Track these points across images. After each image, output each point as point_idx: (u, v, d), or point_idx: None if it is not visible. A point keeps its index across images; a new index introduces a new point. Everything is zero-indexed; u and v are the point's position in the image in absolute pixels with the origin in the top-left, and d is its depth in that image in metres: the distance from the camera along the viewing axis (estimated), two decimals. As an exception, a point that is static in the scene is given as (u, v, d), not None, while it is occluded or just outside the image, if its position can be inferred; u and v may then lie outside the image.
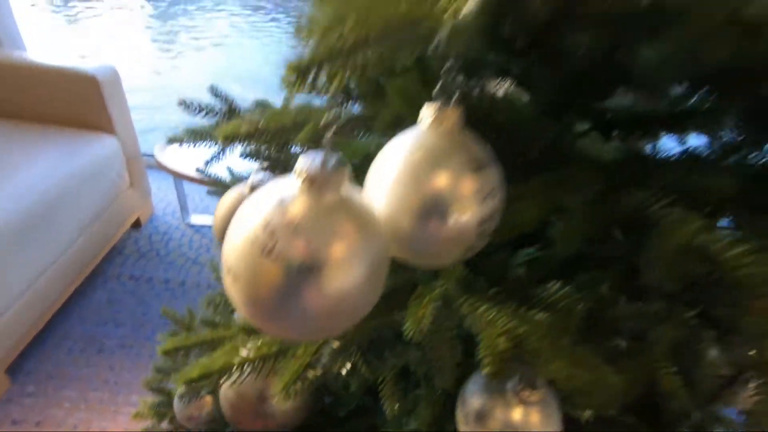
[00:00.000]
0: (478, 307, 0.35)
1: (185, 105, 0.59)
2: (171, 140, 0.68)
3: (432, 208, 0.28)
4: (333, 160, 0.23)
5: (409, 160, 0.29)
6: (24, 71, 1.56)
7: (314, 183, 0.23)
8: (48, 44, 3.97)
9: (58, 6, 5.04)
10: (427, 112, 0.29)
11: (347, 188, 0.25)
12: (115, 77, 1.62)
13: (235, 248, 0.23)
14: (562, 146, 0.46)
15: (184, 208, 1.94)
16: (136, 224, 1.86)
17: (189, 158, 1.69)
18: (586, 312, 0.40)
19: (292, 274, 0.22)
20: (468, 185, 0.28)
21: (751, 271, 0.27)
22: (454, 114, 0.29)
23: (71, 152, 1.50)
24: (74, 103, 1.59)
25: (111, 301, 1.52)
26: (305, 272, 0.22)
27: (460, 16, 0.20)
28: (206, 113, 0.61)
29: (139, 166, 1.78)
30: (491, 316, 0.34)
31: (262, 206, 0.23)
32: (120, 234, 1.71)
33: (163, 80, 3.65)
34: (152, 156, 1.83)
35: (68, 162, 1.46)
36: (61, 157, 1.46)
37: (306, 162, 0.23)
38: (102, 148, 1.58)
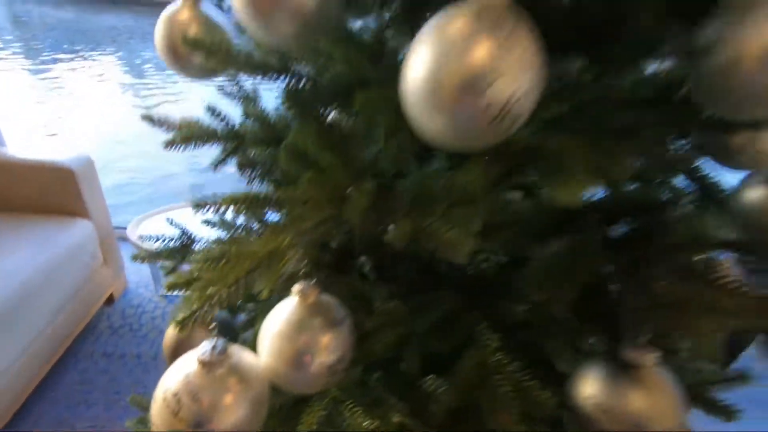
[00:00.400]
0: (355, 412, 0.48)
1: (143, 238, 0.73)
2: (135, 258, 0.81)
3: (299, 357, 0.42)
4: (220, 347, 0.37)
5: (284, 325, 0.43)
6: (4, 167, 1.68)
7: (206, 365, 0.36)
8: (21, 118, 4.15)
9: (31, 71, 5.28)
10: (296, 289, 0.43)
11: (235, 356, 0.39)
12: (89, 166, 1.76)
13: (156, 408, 0.36)
14: (435, 268, 0.61)
15: (157, 280, 2.03)
16: (110, 300, 1.93)
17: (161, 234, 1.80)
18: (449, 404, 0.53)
19: (192, 428, 0.35)
20: (324, 340, 0.42)
21: (507, 391, 0.41)
22: (314, 291, 0.43)
23: (47, 240, 1.60)
24: (51, 192, 1.71)
25: (83, 382, 1.57)
26: (203, 425, 0.35)
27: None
28: (162, 241, 0.75)
29: (112, 244, 1.89)
30: (357, 420, 0.47)
31: (174, 378, 0.37)
32: (93, 312, 1.78)
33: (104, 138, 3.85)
34: (125, 229, 1.94)
35: (44, 250, 1.56)
36: (37, 246, 1.56)
37: (202, 349, 0.37)
38: (76, 232, 1.69)
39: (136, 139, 3.76)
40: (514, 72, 0.28)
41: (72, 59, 5.95)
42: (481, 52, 0.28)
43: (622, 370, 0.41)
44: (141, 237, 1.67)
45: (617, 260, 0.47)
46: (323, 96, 0.50)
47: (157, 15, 0.57)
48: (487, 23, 0.28)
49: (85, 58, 6.11)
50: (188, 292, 0.36)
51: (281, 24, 0.37)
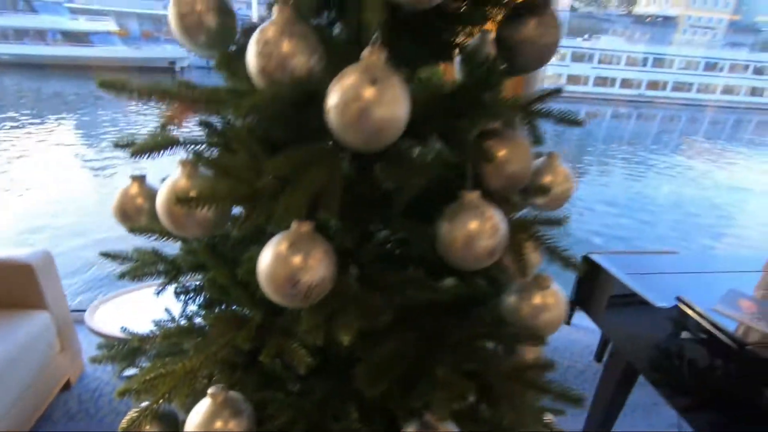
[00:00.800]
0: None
1: (101, 346, 0.91)
2: (93, 360, 0.98)
3: (212, 441, 0.62)
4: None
5: (200, 419, 0.63)
6: (-37, 268, 1.79)
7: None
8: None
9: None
10: (209, 392, 0.64)
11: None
12: (48, 260, 1.89)
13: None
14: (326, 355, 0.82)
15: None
16: (66, 385, 1.99)
17: (119, 318, 1.92)
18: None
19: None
20: (230, 426, 0.62)
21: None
22: (222, 393, 0.64)
23: (5, 334, 1.69)
24: (10, 287, 1.82)
25: (39, 473, 1.62)
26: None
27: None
28: (115, 346, 0.93)
29: (70, 331, 1.98)
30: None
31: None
32: (49, 400, 1.85)
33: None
34: (83, 311, 2.04)
35: (1, 344, 1.65)
36: (-5, 341, 1.65)
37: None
38: (34, 324, 1.79)
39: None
40: (313, 272, 0.52)
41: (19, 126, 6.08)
42: (294, 262, 0.52)
43: (425, 426, 0.63)
44: (98, 325, 1.79)
45: (434, 350, 0.70)
46: (231, 249, 0.73)
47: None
48: (297, 244, 0.53)
49: (33, 124, 6.23)
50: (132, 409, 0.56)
51: (191, 229, 0.60)
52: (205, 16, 0.63)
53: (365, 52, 0.49)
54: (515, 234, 0.62)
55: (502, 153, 0.61)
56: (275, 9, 0.53)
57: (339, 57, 0.54)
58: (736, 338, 1.19)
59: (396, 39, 0.62)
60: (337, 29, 0.69)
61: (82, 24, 15.59)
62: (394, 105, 0.48)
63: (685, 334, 1.37)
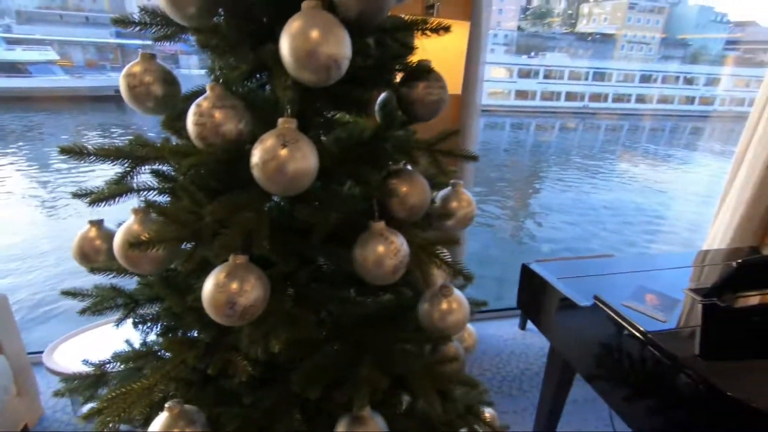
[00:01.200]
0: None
1: (63, 380, 0.98)
2: (56, 394, 1.04)
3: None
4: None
5: (155, 428, 0.72)
6: None
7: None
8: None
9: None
10: (166, 406, 0.73)
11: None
12: (3, 303, 1.89)
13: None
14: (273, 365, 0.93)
15: (75, 401, 2.09)
16: (24, 431, 1.96)
17: (78, 357, 1.92)
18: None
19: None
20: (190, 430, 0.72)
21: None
22: (178, 406, 0.74)
23: (-43, 382, 1.68)
24: (-38, 334, 1.80)
25: None
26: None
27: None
28: (77, 379, 1.00)
29: (27, 374, 1.96)
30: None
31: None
32: (6, 448, 1.82)
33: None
34: (41, 353, 2.02)
35: (-46, 393, 1.64)
36: (-53, 390, 1.63)
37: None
38: (-11, 369, 1.78)
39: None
40: (247, 295, 0.65)
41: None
42: (231, 288, 0.64)
43: (355, 419, 0.75)
44: (57, 365, 1.79)
45: (361, 355, 0.83)
46: (183, 280, 0.84)
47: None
48: (233, 273, 0.65)
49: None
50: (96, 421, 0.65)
51: (145, 267, 0.71)
52: (152, 86, 0.76)
53: (280, 121, 0.63)
54: (418, 253, 0.76)
55: (404, 189, 0.76)
56: (208, 86, 0.66)
57: (262, 121, 0.68)
58: (640, 330, 1.38)
59: (313, 99, 0.76)
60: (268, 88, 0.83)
61: (19, 54, 14.97)
62: (303, 161, 0.62)
63: (603, 330, 1.55)
